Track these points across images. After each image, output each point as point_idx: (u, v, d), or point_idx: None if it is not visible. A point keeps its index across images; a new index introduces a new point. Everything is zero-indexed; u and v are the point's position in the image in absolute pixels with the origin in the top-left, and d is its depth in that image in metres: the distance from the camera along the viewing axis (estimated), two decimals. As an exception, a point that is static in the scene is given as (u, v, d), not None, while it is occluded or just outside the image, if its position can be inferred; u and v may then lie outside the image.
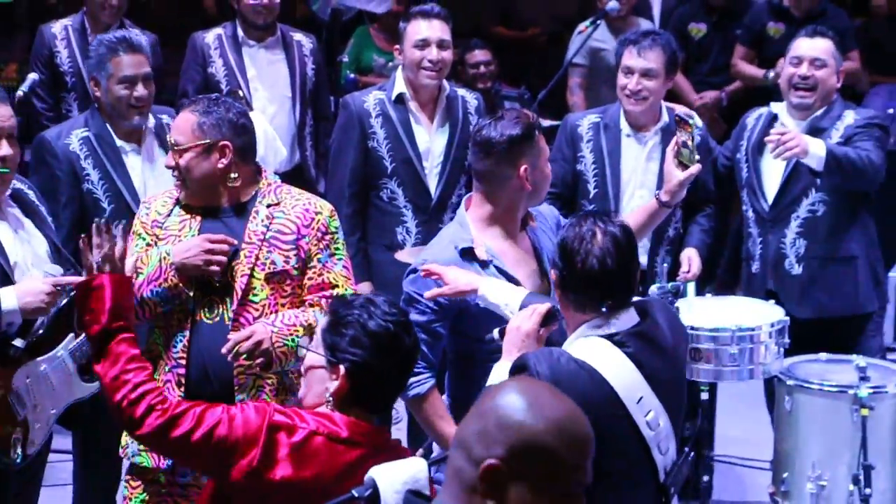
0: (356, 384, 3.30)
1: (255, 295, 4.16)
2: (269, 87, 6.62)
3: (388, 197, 5.63)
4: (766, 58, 7.71)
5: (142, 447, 4.18)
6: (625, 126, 5.57)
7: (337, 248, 4.27)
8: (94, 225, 3.67)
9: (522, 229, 4.17)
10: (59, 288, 4.26)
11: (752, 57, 7.78)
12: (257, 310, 4.15)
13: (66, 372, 4.38)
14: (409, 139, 5.61)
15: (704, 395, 5.26)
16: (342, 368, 3.30)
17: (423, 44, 5.56)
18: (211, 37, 6.65)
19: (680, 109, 5.64)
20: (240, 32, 6.64)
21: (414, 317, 3.88)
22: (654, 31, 5.75)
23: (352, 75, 7.95)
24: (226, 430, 3.26)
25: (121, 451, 4.31)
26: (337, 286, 4.22)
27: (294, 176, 6.54)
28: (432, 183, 5.62)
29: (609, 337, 3.50)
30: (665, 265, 5.46)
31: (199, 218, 4.23)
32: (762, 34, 7.73)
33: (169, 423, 3.31)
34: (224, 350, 4.05)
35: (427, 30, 5.57)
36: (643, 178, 5.57)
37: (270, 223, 4.19)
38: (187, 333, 4.16)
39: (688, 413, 5.21)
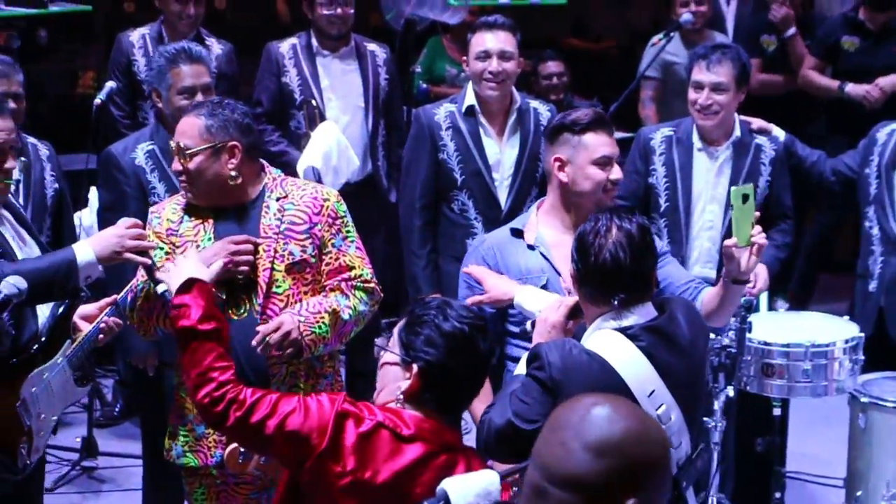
0: (428, 384, 3.32)
1: (278, 287, 4.21)
2: (342, 97, 6.64)
3: (459, 209, 5.63)
4: (840, 71, 7.63)
5: (186, 448, 4.25)
6: (697, 140, 5.55)
7: (348, 231, 4.33)
8: None
9: None
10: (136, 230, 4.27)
11: (822, 68, 7.70)
12: (282, 300, 4.20)
13: (65, 378, 4.39)
14: (478, 151, 5.60)
15: (777, 411, 5.23)
16: (415, 367, 3.32)
17: (485, 55, 5.55)
18: (285, 46, 6.66)
19: (756, 124, 5.60)
20: (314, 42, 6.65)
21: None
22: (724, 45, 5.68)
23: (424, 86, 7.99)
24: (300, 420, 3.27)
25: (165, 454, 4.34)
26: (354, 267, 4.29)
27: (366, 186, 6.63)
28: (502, 195, 5.61)
29: (623, 330, 3.54)
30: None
31: (211, 220, 4.25)
32: (836, 47, 7.65)
33: (247, 414, 3.33)
34: (254, 343, 4.09)
35: (489, 41, 5.56)
36: (713, 193, 5.53)
37: (283, 216, 4.24)
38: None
39: (761, 428, 5.25)
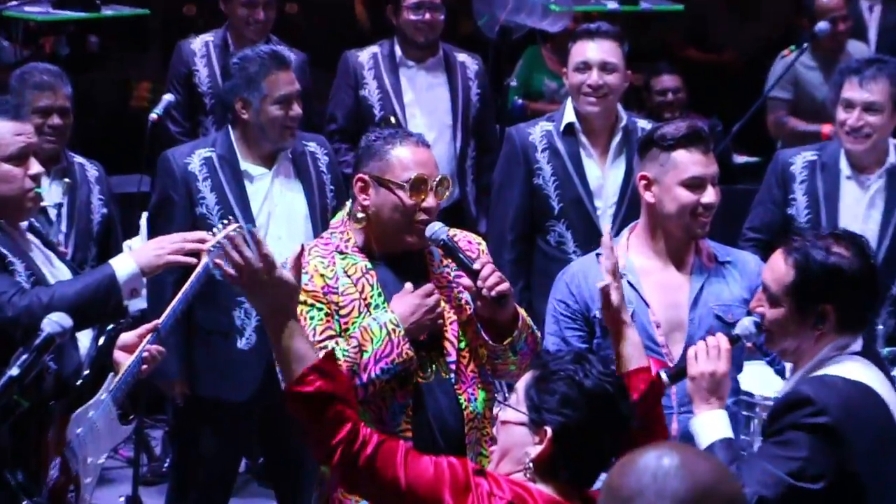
0: (563, 450, 3.08)
1: (460, 341, 3.95)
2: (428, 113, 6.49)
3: (556, 241, 5.39)
4: None
5: None
6: (845, 167, 5.30)
7: None
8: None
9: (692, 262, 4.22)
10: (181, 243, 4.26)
11: None
12: (465, 357, 3.93)
13: (110, 416, 4.27)
14: (578, 175, 5.36)
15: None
16: (548, 430, 3.06)
17: (585, 66, 5.35)
18: (365, 56, 6.50)
19: None
20: (398, 51, 6.50)
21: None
22: (881, 59, 5.43)
23: (520, 101, 7.83)
24: (431, 479, 3.10)
25: None
26: None
27: (453, 213, 6.21)
28: (605, 225, 5.27)
29: (860, 355, 3.52)
30: (883, 327, 5.07)
31: (373, 273, 3.89)
32: None
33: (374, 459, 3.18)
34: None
35: (590, 51, 5.36)
36: (864, 227, 5.13)
37: (449, 263, 3.96)
38: (410, 401, 3.90)
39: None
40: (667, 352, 4.09)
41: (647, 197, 4.15)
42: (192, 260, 4.18)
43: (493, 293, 3.78)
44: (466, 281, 3.82)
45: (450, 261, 3.89)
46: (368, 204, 3.81)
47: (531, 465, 3.09)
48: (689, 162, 4.09)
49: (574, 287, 4.18)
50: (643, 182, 4.15)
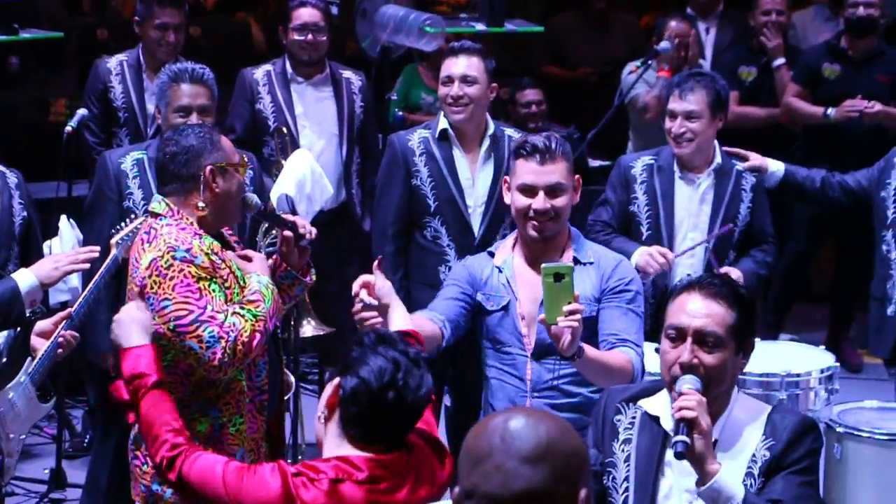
0: (365, 426, 3.21)
1: None
2: (316, 124, 6.65)
3: (432, 235, 5.60)
4: (820, 98, 7.62)
5: None
6: (677, 168, 5.57)
7: None
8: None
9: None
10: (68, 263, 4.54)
11: (805, 96, 7.69)
12: None
13: (29, 397, 4.41)
14: (452, 177, 5.58)
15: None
16: (354, 410, 3.21)
17: (448, 80, 5.57)
18: (260, 73, 6.68)
19: (750, 163, 5.50)
20: (288, 69, 6.67)
21: None
22: (699, 73, 5.70)
23: (400, 113, 7.97)
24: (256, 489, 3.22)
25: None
26: None
27: (340, 214, 6.60)
28: (475, 222, 5.58)
29: None
30: None
31: (220, 247, 4.16)
32: (817, 74, 7.64)
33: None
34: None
35: (453, 66, 5.57)
36: (696, 221, 5.54)
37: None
38: (266, 358, 4.21)
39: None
40: (527, 341, 4.30)
41: (506, 199, 4.41)
42: (86, 266, 4.43)
43: (307, 237, 4.24)
44: (287, 233, 4.23)
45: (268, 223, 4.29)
46: (219, 190, 4.12)
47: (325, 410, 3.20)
48: (524, 170, 4.29)
49: (466, 270, 4.44)
50: (505, 186, 4.41)
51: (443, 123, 5.63)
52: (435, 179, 5.58)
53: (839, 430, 5.07)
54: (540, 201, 4.27)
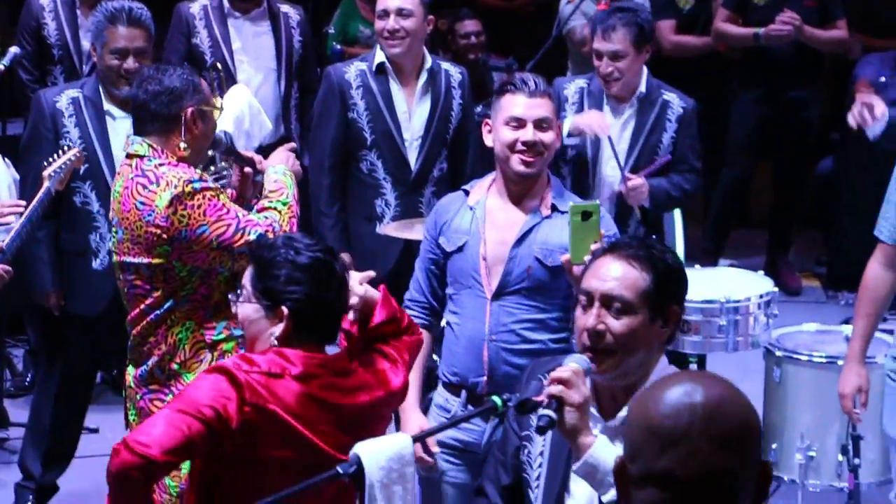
0: (301, 321, 3.30)
1: None
2: (254, 60, 6.58)
3: (368, 169, 5.60)
4: (749, 24, 7.64)
5: None
6: (605, 96, 5.53)
7: None
8: None
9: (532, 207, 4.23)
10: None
11: (734, 21, 7.72)
12: None
13: None
14: (388, 111, 5.57)
15: (693, 367, 5.23)
16: (284, 310, 3.29)
17: (384, 13, 5.56)
18: (196, 7, 6.57)
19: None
20: (225, 3, 6.56)
21: None
22: (621, 8, 5.53)
23: (338, 46, 7.89)
24: (200, 425, 3.18)
25: None
26: None
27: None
28: (412, 156, 5.59)
29: None
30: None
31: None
32: (747, 1, 7.66)
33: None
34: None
35: (388, 0, 5.56)
36: (617, 148, 5.43)
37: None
38: None
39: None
40: (486, 282, 4.18)
41: (487, 141, 4.24)
42: (11, 219, 4.46)
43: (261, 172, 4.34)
44: (248, 169, 4.35)
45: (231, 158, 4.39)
46: (198, 132, 4.20)
47: (276, 342, 3.29)
48: (512, 104, 4.15)
49: (439, 217, 4.31)
50: (486, 129, 4.23)
51: (380, 57, 5.61)
52: (371, 113, 5.57)
53: (778, 353, 5.14)
54: (529, 133, 4.14)
